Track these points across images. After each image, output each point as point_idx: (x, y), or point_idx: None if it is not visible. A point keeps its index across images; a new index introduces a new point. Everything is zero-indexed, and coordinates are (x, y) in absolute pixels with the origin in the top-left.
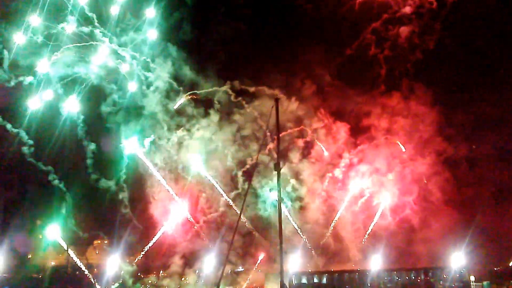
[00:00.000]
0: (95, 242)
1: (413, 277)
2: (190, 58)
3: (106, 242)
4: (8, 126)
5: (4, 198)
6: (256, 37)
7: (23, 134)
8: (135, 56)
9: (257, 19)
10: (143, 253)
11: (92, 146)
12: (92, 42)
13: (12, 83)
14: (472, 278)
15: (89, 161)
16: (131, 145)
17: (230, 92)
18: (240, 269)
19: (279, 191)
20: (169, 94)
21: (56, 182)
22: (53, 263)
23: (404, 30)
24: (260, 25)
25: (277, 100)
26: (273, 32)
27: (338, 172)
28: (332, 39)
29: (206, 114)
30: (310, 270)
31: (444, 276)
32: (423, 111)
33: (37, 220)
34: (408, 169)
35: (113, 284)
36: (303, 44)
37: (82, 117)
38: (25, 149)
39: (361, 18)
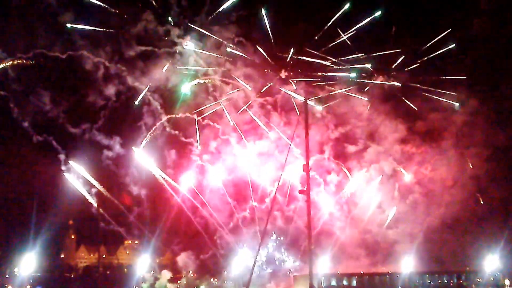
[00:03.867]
0: (126, 242)
1: (446, 281)
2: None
3: (136, 242)
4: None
5: (38, 199)
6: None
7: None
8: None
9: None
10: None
11: None
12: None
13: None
14: (507, 281)
15: None
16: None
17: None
18: (268, 270)
19: (308, 193)
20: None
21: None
22: (84, 263)
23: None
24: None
25: (306, 101)
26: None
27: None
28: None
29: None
30: (339, 272)
31: (478, 279)
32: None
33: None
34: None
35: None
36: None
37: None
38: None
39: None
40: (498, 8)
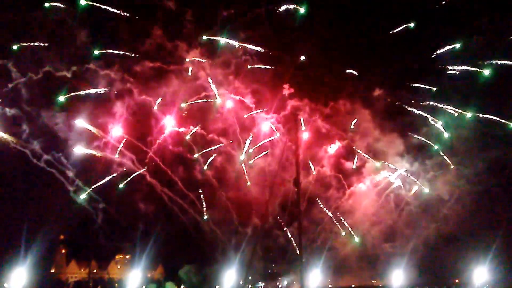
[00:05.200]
0: (117, 256)
1: None
2: None
3: (127, 257)
4: None
5: (29, 212)
6: None
7: None
8: None
9: None
10: None
11: None
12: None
13: None
14: None
15: None
16: None
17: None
18: (260, 284)
19: (299, 206)
20: None
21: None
22: (75, 278)
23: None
24: None
25: (297, 115)
26: None
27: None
28: None
29: None
30: (330, 286)
31: None
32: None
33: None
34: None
35: None
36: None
37: None
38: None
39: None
40: None
